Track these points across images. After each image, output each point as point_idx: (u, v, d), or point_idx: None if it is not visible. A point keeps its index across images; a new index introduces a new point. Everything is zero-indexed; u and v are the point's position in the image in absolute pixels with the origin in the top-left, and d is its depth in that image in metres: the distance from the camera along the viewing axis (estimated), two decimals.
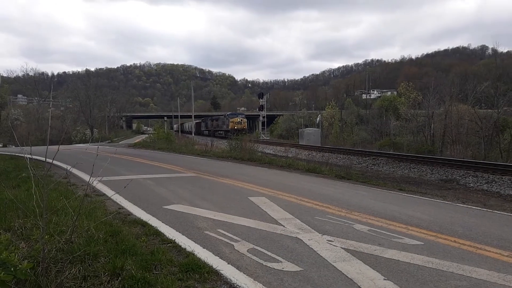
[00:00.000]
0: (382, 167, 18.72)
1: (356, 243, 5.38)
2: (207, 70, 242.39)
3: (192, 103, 59.17)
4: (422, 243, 5.43)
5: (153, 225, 6.24)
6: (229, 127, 53.31)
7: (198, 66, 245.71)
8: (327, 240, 5.53)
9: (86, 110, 65.69)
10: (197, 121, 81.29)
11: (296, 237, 5.69)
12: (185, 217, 6.96)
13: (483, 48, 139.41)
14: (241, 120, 54.96)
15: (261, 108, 62.47)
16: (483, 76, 60.27)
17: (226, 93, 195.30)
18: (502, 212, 7.99)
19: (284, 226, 6.27)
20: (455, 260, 4.71)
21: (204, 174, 13.19)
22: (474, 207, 8.46)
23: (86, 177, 10.51)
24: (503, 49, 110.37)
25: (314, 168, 14.76)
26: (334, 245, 5.27)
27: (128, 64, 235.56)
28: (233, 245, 5.31)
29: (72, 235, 4.84)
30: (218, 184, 11.02)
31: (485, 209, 8.29)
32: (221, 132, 57.17)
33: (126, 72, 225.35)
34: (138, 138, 59.52)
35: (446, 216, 7.32)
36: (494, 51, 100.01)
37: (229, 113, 60.18)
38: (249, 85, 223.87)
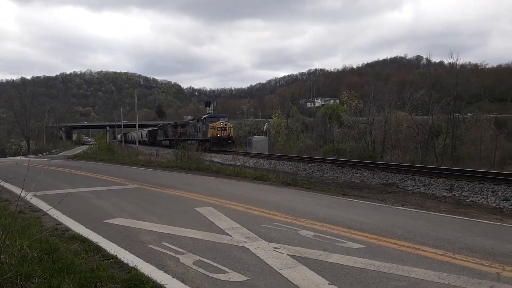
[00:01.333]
0: (327, 173, 19.22)
1: (301, 249, 5.44)
2: (151, 78, 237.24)
3: (135, 112, 57.22)
4: (365, 246, 5.59)
5: (93, 240, 5.94)
6: (209, 135, 38.17)
7: (142, 74, 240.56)
8: (273, 247, 5.54)
9: (21, 120, 61.90)
10: (151, 129, 70.27)
11: (243, 246, 5.65)
12: (128, 231, 6.70)
13: (418, 58, 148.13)
14: (225, 124, 38.68)
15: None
16: (419, 85, 63.89)
17: (172, 102, 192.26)
18: (437, 213, 8.45)
19: (231, 236, 6.22)
20: (395, 262, 4.89)
21: (149, 185, 12.83)
22: (413, 209, 8.89)
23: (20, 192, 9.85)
24: (436, 59, 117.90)
25: (261, 176, 14.85)
26: (281, 252, 5.30)
27: (68, 72, 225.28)
28: (178, 258, 5.17)
29: (2, 256, 4.49)
30: (163, 196, 10.76)
31: (422, 211, 8.73)
32: (194, 142, 38.93)
33: (66, 81, 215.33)
34: (79, 149, 56.90)
35: (386, 219, 7.62)
36: (428, 61, 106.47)
37: (206, 115, 42.27)
38: (196, 93, 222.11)
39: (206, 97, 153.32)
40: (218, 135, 37.79)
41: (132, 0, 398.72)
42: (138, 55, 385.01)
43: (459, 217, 8.04)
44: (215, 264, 4.88)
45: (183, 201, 9.68)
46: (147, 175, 16.55)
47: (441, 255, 5.16)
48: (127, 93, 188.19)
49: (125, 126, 78.76)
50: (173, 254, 5.31)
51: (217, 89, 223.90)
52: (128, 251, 5.51)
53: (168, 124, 59.87)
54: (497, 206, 10.29)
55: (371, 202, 9.89)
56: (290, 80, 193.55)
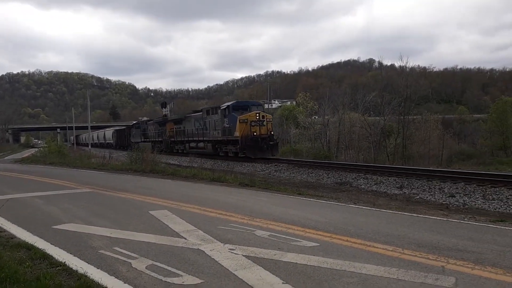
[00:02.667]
0: (284, 173, 19.44)
1: (257, 249, 5.45)
2: (105, 78, 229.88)
3: (88, 113, 55.28)
4: (318, 244, 5.69)
5: (40, 247, 5.67)
6: (237, 133, 24.35)
7: (95, 75, 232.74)
8: (229, 249, 5.52)
9: None
10: (120, 128, 59.46)
11: (198, 248, 5.59)
12: (78, 237, 6.45)
13: (371, 61, 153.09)
14: (262, 117, 24.98)
15: (164, 117, 60.07)
16: (371, 87, 66.07)
17: (126, 102, 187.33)
18: (388, 210, 8.75)
19: (185, 239, 6.13)
20: (347, 259, 5.00)
21: (101, 189, 12.42)
22: (365, 207, 9.15)
23: None
24: (387, 62, 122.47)
25: (219, 177, 14.77)
26: (236, 253, 5.28)
27: (15, 72, 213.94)
28: (130, 262, 5.03)
29: None
30: (116, 199, 10.45)
31: (374, 209, 9.00)
32: (204, 144, 29.14)
33: (13, 81, 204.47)
34: (28, 153, 54.14)
35: (340, 217, 7.80)
36: (380, 64, 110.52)
37: (231, 103, 27.37)
38: (152, 94, 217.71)
39: (162, 98, 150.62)
40: (255, 134, 23.67)
41: None
42: (91, 55, 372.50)
43: (408, 213, 8.36)
44: (169, 268, 4.79)
45: (137, 205, 9.44)
46: (99, 178, 16.01)
47: (391, 251, 5.33)
48: (80, 94, 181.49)
49: (78, 128, 75.81)
50: (125, 259, 5.16)
51: (174, 90, 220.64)
52: (78, 257, 5.31)
53: (149, 121, 46.07)
54: (443, 202, 10.80)
55: (326, 201, 10.09)
56: (248, 82, 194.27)
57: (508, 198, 10.22)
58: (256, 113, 24.77)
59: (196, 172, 16.66)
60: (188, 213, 8.19)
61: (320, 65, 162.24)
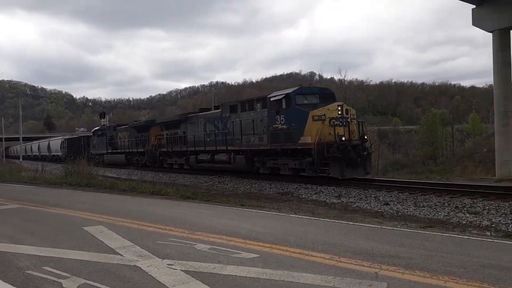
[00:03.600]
0: (227, 184, 19.37)
1: (196, 263, 5.36)
2: (39, 87, 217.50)
3: (20, 124, 51.96)
4: (258, 255, 5.71)
5: None
6: (309, 139, 15.12)
7: (29, 83, 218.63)
8: (167, 264, 5.37)
9: None
10: (70, 137, 49.64)
11: (135, 265, 5.39)
12: (2, 257, 5.98)
13: (312, 74, 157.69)
14: (346, 111, 15.75)
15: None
16: None
17: (62, 112, 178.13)
18: (326, 219, 9.00)
19: (122, 255, 5.89)
20: (286, 268, 5.05)
21: (31, 204, 11.66)
22: (305, 217, 9.34)
23: None
24: (327, 75, 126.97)
25: (159, 190, 14.42)
26: (174, 269, 5.16)
27: None
28: (61, 282, 4.75)
29: None
30: (47, 215, 9.85)
31: (313, 218, 9.21)
32: (244, 157, 19.14)
33: None
34: None
35: (280, 227, 7.89)
36: (321, 76, 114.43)
37: (294, 89, 16.77)
38: (90, 103, 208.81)
39: (101, 108, 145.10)
40: (343, 139, 15.12)
41: (16, 2, 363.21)
42: (24, 61, 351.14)
43: (345, 222, 8.64)
44: (103, 287, 4.58)
45: (70, 221, 8.96)
46: (30, 193, 15.04)
47: (328, 259, 5.47)
48: (11, 103, 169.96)
49: (8, 139, 70.85)
50: (55, 279, 4.86)
51: (114, 100, 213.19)
52: (1, 279, 4.91)
53: (120, 125, 35.20)
54: (378, 210, 11.28)
55: (267, 211, 10.18)
56: (192, 92, 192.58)
57: (436, 205, 10.88)
58: (338, 105, 15.64)
59: (135, 185, 16.16)
60: (125, 228, 7.89)
61: (264, 77, 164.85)
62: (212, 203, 11.82)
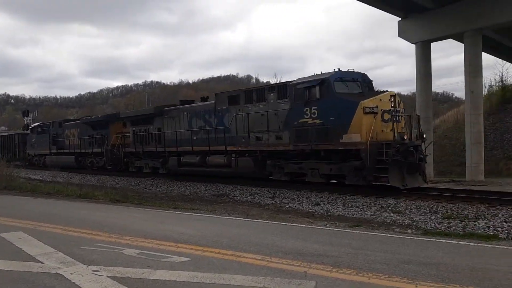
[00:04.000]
0: (161, 186, 18.93)
1: (124, 269, 5.14)
2: None
3: None
4: (190, 259, 5.61)
5: None
6: (363, 136, 11.96)
7: None
8: (92, 270, 5.10)
9: None
10: (5, 134, 43.14)
11: (56, 272, 5.05)
12: None
13: (249, 77, 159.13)
14: (398, 103, 12.81)
15: (26, 127, 48.55)
16: None
17: None
18: (260, 220, 9.09)
19: (42, 263, 5.50)
20: (217, 271, 5.01)
21: None
22: (239, 218, 9.37)
23: None
24: (263, 79, 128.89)
25: (86, 193, 13.74)
26: (100, 275, 4.91)
27: None
28: None
29: None
30: None
31: (247, 219, 9.26)
32: (252, 160, 15.57)
33: None
34: None
35: (213, 229, 7.83)
36: (257, 80, 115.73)
37: (329, 73, 13.08)
38: (12, 100, 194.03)
39: (25, 106, 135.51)
40: (405, 138, 12.38)
41: None
42: None
43: (278, 222, 8.78)
44: None
45: None
46: None
47: (260, 260, 5.51)
48: None
49: None
50: None
51: (39, 97, 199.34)
52: None
53: (67, 121, 30.64)
54: (310, 210, 11.61)
55: (201, 214, 10.08)
56: (124, 91, 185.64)
57: (363, 205, 11.42)
58: (391, 95, 12.72)
59: (60, 188, 15.26)
60: (48, 233, 7.40)
61: (201, 78, 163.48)
62: (143, 206, 11.47)
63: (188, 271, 5.03)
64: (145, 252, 5.98)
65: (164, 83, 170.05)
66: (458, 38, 29.55)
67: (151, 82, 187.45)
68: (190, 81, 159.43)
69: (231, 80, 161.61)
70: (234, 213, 10.64)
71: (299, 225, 8.56)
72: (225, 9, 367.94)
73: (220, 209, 11.42)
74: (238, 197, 14.65)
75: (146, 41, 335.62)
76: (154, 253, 5.90)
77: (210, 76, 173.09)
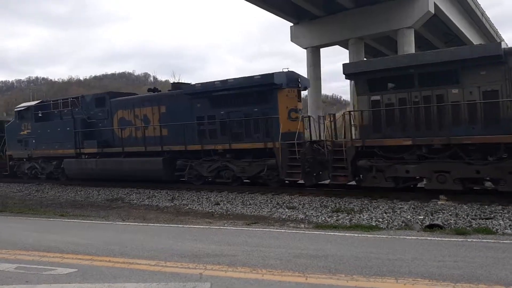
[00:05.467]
0: (47, 192, 17.33)
1: None
2: None
3: None
4: (77, 269, 5.20)
5: None
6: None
7: None
8: None
9: None
10: None
11: None
12: None
13: (146, 75, 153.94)
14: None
15: None
16: None
17: None
18: (156, 224, 8.81)
19: None
20: (107, 280, 4.71)
21: None
22: (133, 223, 8.96)
23: None
24: (162, 78, 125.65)
25: None
26: None
27: None
28: None
29: None
30: None
31: (143, 224, 8.91)
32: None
33: None
34: None
35: (104, 236, 7.39)
36: (155, 78, 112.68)
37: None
38: None
39: None
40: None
41: None
42: None
43: (175, 225, 8.60)
44: None
45: None
46: None
47: (154, 265, 5.32)
48: None
49: None
50: None
51: None
52: None
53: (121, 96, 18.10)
54: (209, 210, 11.58)
55: (92, 220, 9.46)
56: (5, 88, 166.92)
57: (261, 202, 11.72)
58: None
59: None
60: None
61: (94, 75, 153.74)
62: (25, 215, 10.40)
63: (74, 283, 4.66)
64: (25, 266, 5.40)
65: (52, 80, 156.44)
66: (344, 45, 32.12)
67: (37, 78, 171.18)
68: (81, 78, 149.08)
69: (127, 78, 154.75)
70: (129, 218, 10.16)
71: (198, 226, 8.48)
72: (122, 2, 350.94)
73: (114, 215, 10.82)
74: (135, 201, 14.03)
75: (31, 33, 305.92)
76: (35, 266, 5.35)
77: (104, 73, 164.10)
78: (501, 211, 8.65)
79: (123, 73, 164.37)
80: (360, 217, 9.10)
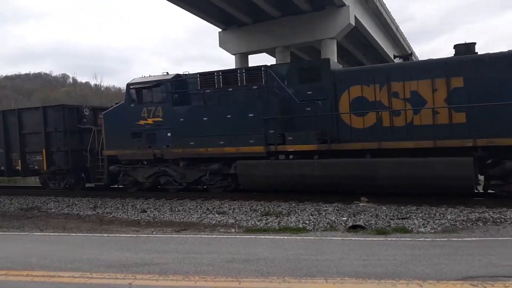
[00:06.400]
0: None
1: None
2: None
3: None
4: None
5: None
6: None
7: None
8: None
9: None
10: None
11: None
12: None
13: (65, 76, 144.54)
14: None
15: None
16: (64, 101, 62.54)
17: None
18: (78, 234, 8.31)
19: None
20: None
21: None
22: (53, 234, 8.38)
23: None
24: (82, 79, 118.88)
25: None
26: None
27: None
28: None
29: None
30: None
31: (63, 234, 8.37)
32: None
33: None
34: None
35: (21, 248, 6.81)
36: (75, 80, 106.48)
37: None
38: None
39: None
40: None
41: None
42: None
43: (99, 234, 8.18)
44: None
45: None
46: None
47: (78, 277, 5.00)
48: None
49: None
50: None
51: None
52: None
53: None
54: (135, 218, 11.17)
55: (5, 232, 8.68)
56: None
57: (190, 208, 11.55)
58: None
59: None
60: None
61: (4, 75, 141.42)
62: None
63: None
64: None
65: None
66: (272, 53, 32.92)
67: None
68: None
69: (43, 79, 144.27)
70: (48, 228, 9.49)
71: (124, 235, 8.14)
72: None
73: (30, 225, 10.03)
74: (53, 210, 13.12)
75: None
76: None
77: (17, 73, 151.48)
78: (415, 211, 9.37)
79: (39, 73, 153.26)
80: (288, 219, 9.33)
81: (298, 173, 11.22)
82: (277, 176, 11.49)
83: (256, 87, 12.21)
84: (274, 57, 31.05)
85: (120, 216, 11.55)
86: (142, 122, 13.42)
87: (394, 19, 36.09)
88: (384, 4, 31.66)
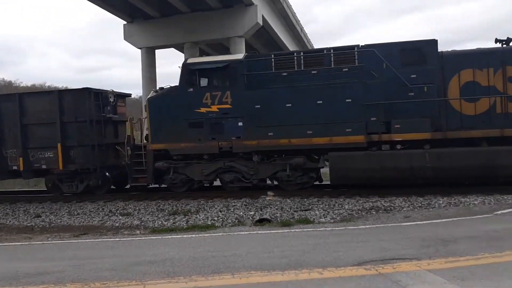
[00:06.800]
0: None
1: None
2: None
3: None
4: None
5: None
6: None
7: None
8: None
9: None
10: None
11: None
12: None
13: None
14: None
15: None
16: None
17: None
18: None
19: None
20: None
21: None
22: None
23: None
24: None
25: None
26: None
27: None
28: None
29: None
30: None
31: None
32: None
33: None
34: None
35: None
36: None
37: None
38: None
39: None
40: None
41: None
42: None
43: None
44: None
45: None
46: None
47: None
48: None
49: None
50: None
51: None
52: None
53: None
54: (28, 224, 10.22)
55: None
56: None
57: (91, 211, 10.85)
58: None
59: None
60: None
61: None
62: None
63: None
64: None
65: None
66: (180, 48, 32.34)
67: None
68: None
69: None
70: None
71: (14, 243, 7.40)
72: None
73: None
74: None
75: None
76: None
77: None
78: (316, 202, 9.89)
79: None
80: (196, 217, 9.25)
81: (407, 165, 10.17)
82: (379, 169, 10.30)
83: (347, 69, 10.87)
84: (183, 52, 30.53)
85: (10, 222, 10.48)
86: (203, 109, 11.33)
87: (299, 20, 37.66)
88: (290, 5, 32.87)
